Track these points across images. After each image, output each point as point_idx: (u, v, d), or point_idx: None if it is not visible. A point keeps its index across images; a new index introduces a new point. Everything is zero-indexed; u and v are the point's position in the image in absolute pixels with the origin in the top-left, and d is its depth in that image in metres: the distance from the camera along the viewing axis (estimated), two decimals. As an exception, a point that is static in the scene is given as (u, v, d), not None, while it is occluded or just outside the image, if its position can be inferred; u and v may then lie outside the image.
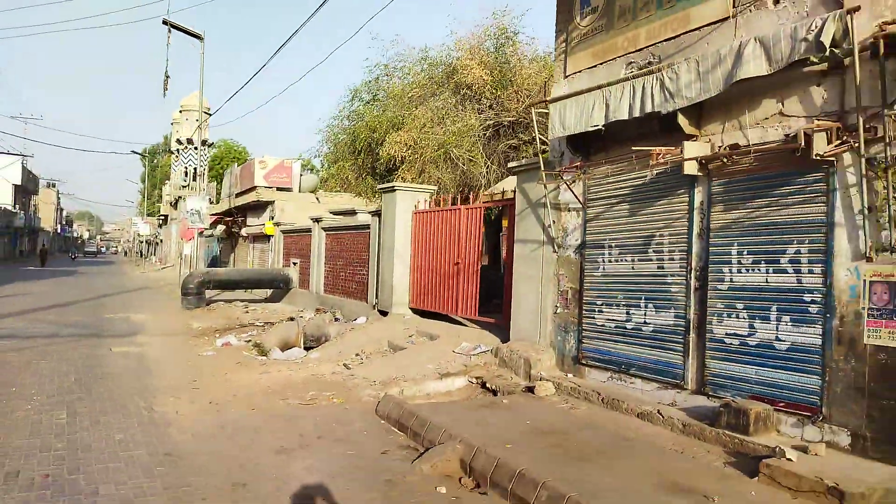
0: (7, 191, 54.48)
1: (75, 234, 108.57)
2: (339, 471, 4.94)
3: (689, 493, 4.26)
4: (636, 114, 5.76)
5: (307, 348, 11.16)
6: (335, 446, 5.56)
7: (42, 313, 14.74)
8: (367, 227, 12.50)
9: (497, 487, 4.66)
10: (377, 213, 12.06)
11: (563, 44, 7.35)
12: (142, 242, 58.65)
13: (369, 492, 4.55)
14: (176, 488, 4.47)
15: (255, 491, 4.49)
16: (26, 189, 60.36)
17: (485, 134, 16.78)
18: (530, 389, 7.22)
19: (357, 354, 9.53)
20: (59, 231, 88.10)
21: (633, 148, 5.81)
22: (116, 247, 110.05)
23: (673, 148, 5.56)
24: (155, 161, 62.60)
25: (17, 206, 57.89)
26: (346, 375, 8.25)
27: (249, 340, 11.54)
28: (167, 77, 20.60)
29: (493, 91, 16.90)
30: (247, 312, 15.88)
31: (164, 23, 20.54)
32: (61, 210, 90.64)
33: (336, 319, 12.79)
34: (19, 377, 7.85)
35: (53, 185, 78.13)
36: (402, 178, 17.14)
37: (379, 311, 11.77)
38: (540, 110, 7.52)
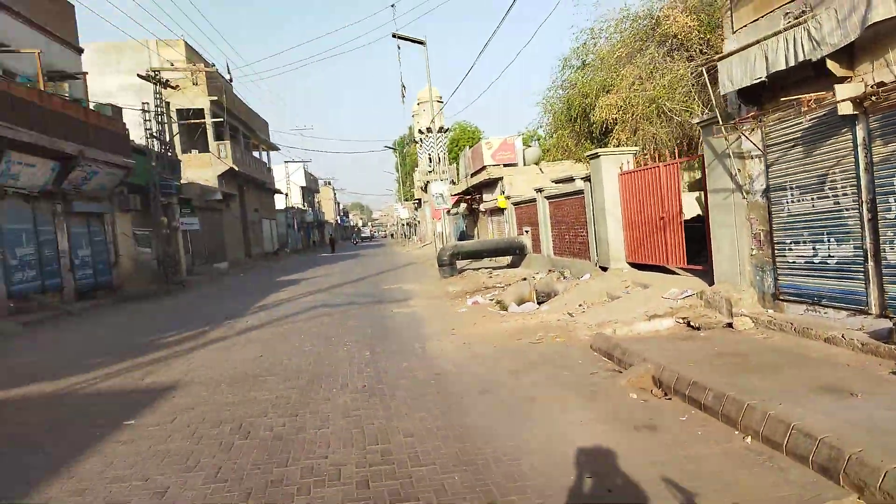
0: (297, 192, 66.88)
1: (351, 223, 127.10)
2: (555, 385, 6.65)
3: (837, 392, 5.04)
4: (791, 63, 6.25)
5: (539, 303, 13.04)
6: (555, 370, 7.27)
7: (340, 288, 19.14)
8: (581, 192, 13.74)
9: (678, 394, 5.93)
10: (588, 179, 13.29)
11: (728, 0, 7.85)
12: (404, 225, 66.76)
13: (578, 397, 6.17)
14: (444, 393, 6.63)
15: (496, 394, 6.44)
16: (309, 189, 73.10)
17: (698, 81, 16.62)
18: (730, 325, 8.07)
19: (579, 305, 11.07)
20: (339, 222, 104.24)
21: (782, 99, 6.32)
22: (385, 231, 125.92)
23: (824, 93, 6.00)
24: (405, 151, 70.36)
25: (305, 204, 70.61)
26: (568, 321, 9.90)
27: (492, 299, 13.83)
28: (403, 87, 24.19)
29: (703, 35, 16.62)
30: (490, 277, 18.33)
31: (394, 36, 23.97)
32: (338, 203, 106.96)
33: (564, 278, 14.42)
34: (334, 332, 11.06)
35: (329, 183, 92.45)
36: (616, 138, 17.88)
37: (600, 267, 13.09)
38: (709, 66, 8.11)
